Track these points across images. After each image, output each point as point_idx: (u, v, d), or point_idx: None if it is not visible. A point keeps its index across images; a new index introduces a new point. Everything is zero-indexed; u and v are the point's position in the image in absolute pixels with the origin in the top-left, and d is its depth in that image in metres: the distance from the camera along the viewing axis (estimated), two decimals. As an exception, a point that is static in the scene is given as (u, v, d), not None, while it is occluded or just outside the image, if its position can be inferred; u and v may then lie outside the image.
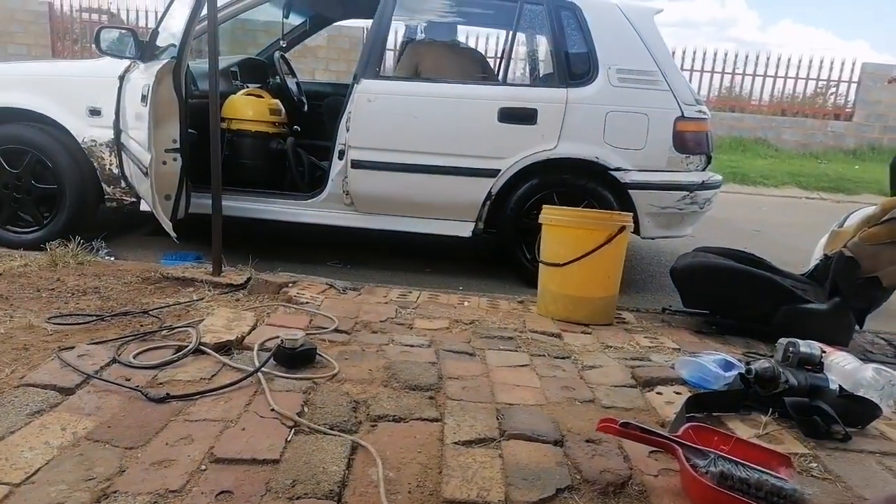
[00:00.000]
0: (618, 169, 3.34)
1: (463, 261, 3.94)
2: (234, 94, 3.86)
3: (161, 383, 1.67)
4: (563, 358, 2.14)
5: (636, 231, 3.45)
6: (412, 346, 2.10)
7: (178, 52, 2.90)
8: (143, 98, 2.84)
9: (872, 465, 1.56)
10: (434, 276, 3.54)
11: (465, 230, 3.51)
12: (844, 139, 11.27)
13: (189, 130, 3.03)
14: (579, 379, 1.96)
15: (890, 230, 2.45)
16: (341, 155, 3.45)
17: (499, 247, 3.59)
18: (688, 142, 3.39)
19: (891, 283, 2.49)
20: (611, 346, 2.33)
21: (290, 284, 2.67)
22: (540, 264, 2.80)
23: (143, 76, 2.94)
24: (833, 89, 11.73)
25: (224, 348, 1.90)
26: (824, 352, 1.89)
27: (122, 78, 3.17)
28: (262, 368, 1.72)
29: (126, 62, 3.22)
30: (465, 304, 2.79)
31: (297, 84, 4.56)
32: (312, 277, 2.90)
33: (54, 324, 2.06)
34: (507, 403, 1.72)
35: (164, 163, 2.86)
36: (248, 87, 4.14)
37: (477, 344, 2.20)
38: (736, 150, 10.49)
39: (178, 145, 2.87)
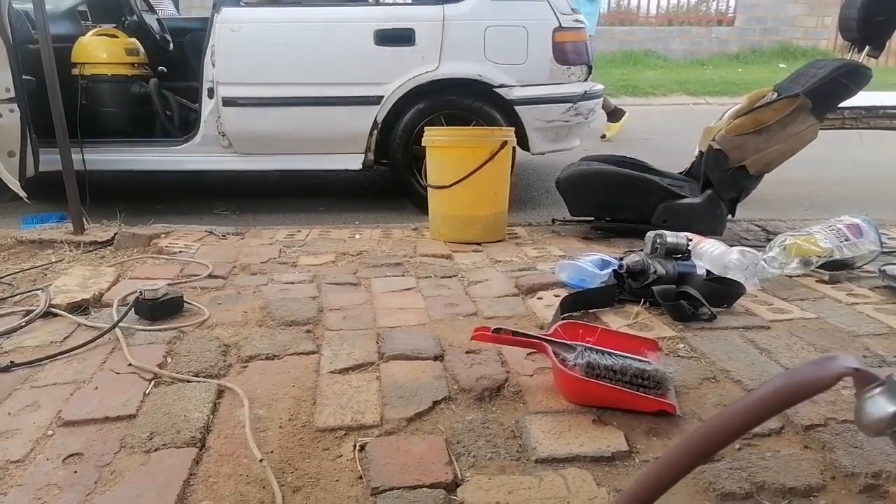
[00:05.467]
0: (502, 86, 3.29)
1: (358, 195, 3.84)
2: (84, 35, 3.49)
3: (6, 352, 1.53)
4: (450, 277, 2.13)
5: (525, 147, 3.45)
6: (292, 283, 2.02)
7: (-4, -12, 2.56)
8: (-37, 44, 2.51)
9: (735, 340, 1.64)
10: (328, 214, 3.43)
11: (354, 163, 3.39)
12: (728, 44, 11.71)
13: (27, 77, 2.71)
14: (464, 295, 1.95)
15: (754, 120, 2.53)
16: (211, 93, 3.22)
17: (393, 177, 3.50)
18: (567, 53, 3.36)
19: (757, 170, 2.60)
20: (500, 261, 2.33)
21: (163, 235, 2.50)
22: (429, 188, 2.75)
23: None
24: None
25: (80, 308, 1.75)
26: (691, 240, 1.96)
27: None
28: (121, 324, 1.60)
29: None
30: (357, 236, 2.72)
31: (159, 21, 4.17)
32: (190, 227, 2.73)
33: None
34: (389, 327, 1.69)
35: (0, 115, 2.56)
36: (100, 27, 3.75)
37: (363, 274, 2.15)
38: (627, 63, 10.68)
39: (12, 94, 2.56)
